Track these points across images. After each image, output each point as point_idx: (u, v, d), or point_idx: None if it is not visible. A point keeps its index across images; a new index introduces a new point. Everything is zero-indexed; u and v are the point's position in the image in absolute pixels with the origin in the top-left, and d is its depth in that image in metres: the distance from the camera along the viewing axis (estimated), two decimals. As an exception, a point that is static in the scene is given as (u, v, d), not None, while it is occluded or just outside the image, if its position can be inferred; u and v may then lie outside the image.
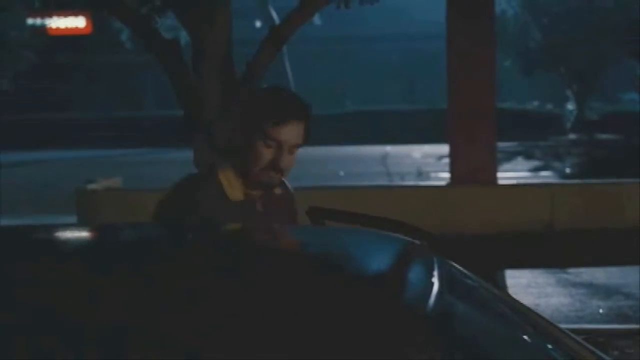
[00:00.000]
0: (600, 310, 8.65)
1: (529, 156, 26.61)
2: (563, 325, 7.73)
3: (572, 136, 35.48)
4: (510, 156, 26.07)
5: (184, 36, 8.85)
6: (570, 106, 38.95)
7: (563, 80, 38.92)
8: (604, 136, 34.36)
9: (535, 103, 42.20)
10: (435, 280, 2.19)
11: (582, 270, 10.53)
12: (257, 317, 1.83)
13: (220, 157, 3.47)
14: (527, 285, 9.75)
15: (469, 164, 13.31)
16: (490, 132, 13.62)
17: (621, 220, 12.65)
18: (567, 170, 22.53)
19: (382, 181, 20.41)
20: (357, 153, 30.54)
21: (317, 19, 49.90)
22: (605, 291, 9.49)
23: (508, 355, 2.24)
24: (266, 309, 1.87)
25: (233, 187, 3.24)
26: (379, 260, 2.48)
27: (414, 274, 2.33)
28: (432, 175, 21.48)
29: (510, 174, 20.52)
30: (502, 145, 28.13)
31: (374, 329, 1.82)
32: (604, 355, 2.93)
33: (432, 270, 2.30)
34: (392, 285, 2.13)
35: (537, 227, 12.61)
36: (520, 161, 25.38)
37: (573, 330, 7.47)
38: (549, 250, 11.78)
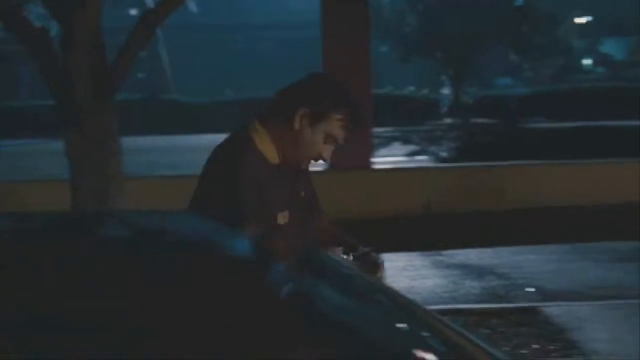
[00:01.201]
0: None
1: (406, 141, 26.92)
2: (438, 306, 7.91)
3: (448, 120, 36.00)
4: (387, 141, 26.35)
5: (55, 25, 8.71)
6: (446, 91, 39.59)
7: (439, 65, 39.51)
8: (479, 120, 34.95)
9: (412, 88, 42.77)
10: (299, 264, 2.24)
11: (457, 252, 10.73)
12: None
13: (254, 124, 3.35)
14: (403, 268, 9.89)
15: (345, 149, 13.36)
16: (366, 117, 13.74)
17: (497, 203, 12.92)
18: (443, 154, 22.87)
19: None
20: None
21: (195, 7, 49.57)
22: (479, 272, 9.69)
23: (368, 334, 2.28)
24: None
25: (270, 151, 3.25)
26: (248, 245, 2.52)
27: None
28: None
29: (387, 159, 20.74)
30: (379, 130, 28.46)
31: (235, 308, 1.84)
32: (468, 334, 2.98)
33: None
34: (254, 266, 2.16)
35: (414, 210, 12.78)
36: (397, 146, 25.67)
37: (447, 310, 7.65)
38: (425, 233, 11.94)
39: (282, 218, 3.28)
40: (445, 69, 39.16)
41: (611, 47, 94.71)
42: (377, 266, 3.54)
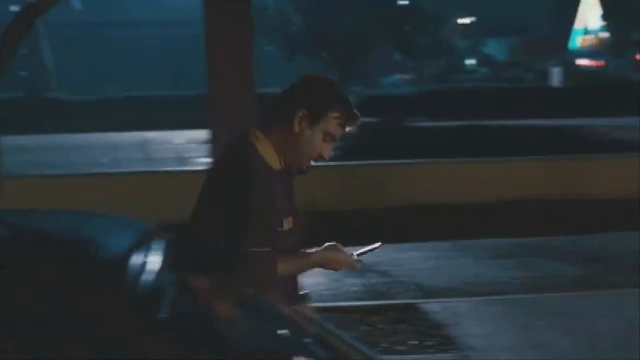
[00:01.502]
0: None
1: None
2: (319, 304, 7.94)
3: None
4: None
5: None
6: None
7: (324, 64, 39.70)
8: (364, 119, 35.22)
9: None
10: (157, 260, 2.24)
11: (342, 250, 10.75)
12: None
13: (255, 132, 3.31)
14: (285, 267, 9.89)
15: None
16: (249, 117, 13.69)
17: (379, 201, 13.04)
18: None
19: (140, 167, 20.23)
20: (119, 140, 30.12)
21: (78, 4, 48.78)
22: (360, 269, 9.74)
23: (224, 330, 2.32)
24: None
25: (272, 157, 3.24)
26: (108, 242, 2.51)
27: (137, 254, 2.34)
28: (195, 160, 21.45)
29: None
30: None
31: (91, 299, 1.85)
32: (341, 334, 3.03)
33: (158, 251, 2.35)
34: (109, 262, 2.16)
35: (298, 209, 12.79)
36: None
37: (328, 308, 7.68)
38: (309, 232, 11.94)
39: (287, 224, 3.28)
40: (330, 69, 39.34)
41: (493, 48, 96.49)
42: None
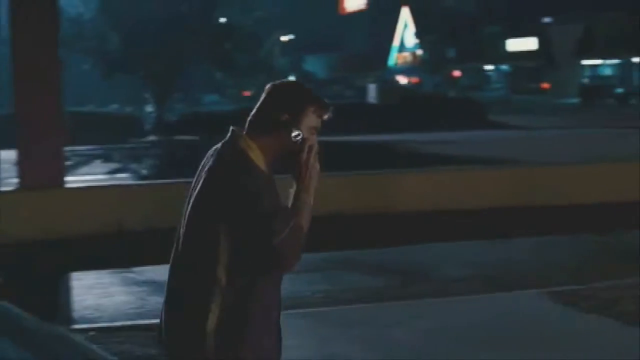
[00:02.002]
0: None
1: (107, 159, 26.68)
2: (124, 322, 7.87)
3: (151, 138, 35.93)
4: (88, 159, 26.04)
5: None
6: (149, 108, 39.54)
7: (142, 83, 39.45)
8: (182, 137, 35.05)
9: (115, 106, 42.42)
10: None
11: (147, 268, 10.77)
12: None
13: (245, 140, 3.42)
14: (91, 287, 9.83)
15: (37, 168, 13.14)
16: (57, 135, 13.52)
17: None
18: (144, 172, 22.86)
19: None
20: None
21: None
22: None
23: None
24: None
25: (261, 162, 3.36)
26: None
27: None
28: (5, 180, 20.96)
29: (87, 177, 20.48)
30: (80, 148, 28.07)
31: None
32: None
33: None
34: None
35: (106, 228, 12.69)
36: (98, 164, 25.40)
37: (133, 326, 7.64)
38: (116, 251, 11.90)
39: None
40: (148, 87, 39.15)
41: (313, 65, 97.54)
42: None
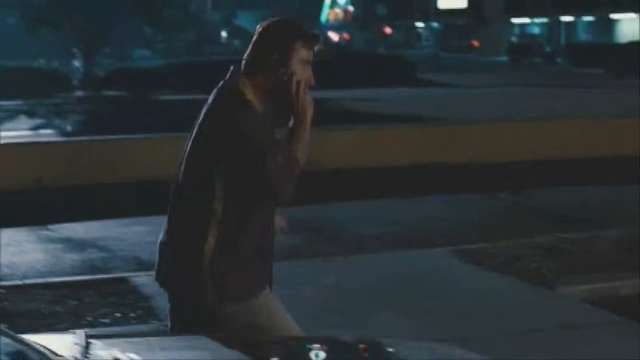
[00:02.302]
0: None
1: (31, 114, 26.37)
2: (36, 280, 7.89)
3: (78, 93, 35.59)
4: (12, 115, 25.74)
5: None
6: (76, 63, 39.10)
7: (69, 37, 38.98)
8: (111, 93, 34.75)
9: (42, 61, 41.89)
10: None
11: (64, 226, 10.78)
12: None
13: (243, 81, 3.60)
14: (5, 244, 9.80)
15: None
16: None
17: (109, 176, 13.06)
18: (68, 128, 22.69)
19: None
20: None
21: None
22: (82, 245, 9.82)
23: None
24: None
25: (254, 98, 3.55)
26: None
27: None
28: None
29: (9, 133, 20.27)
30: (4, 104, 27.73)
31: None
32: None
33: None
34: None
35: (24, 186, 12.66)
36: (22, 120, 25.10)
37: (41, 284, 7.67)
38: (35, 208, 11.87)
39: None
40: (75, 42, 38.70)
41: (245, 20, 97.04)
42: None
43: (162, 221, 10.67)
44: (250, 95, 3.54)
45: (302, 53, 3.57)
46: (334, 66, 38.29)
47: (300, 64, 3.56)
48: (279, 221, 3.86)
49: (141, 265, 8.83)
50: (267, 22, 3.68)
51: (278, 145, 3.49)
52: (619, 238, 8.84)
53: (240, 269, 3.55)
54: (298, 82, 3.53)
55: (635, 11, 54.75)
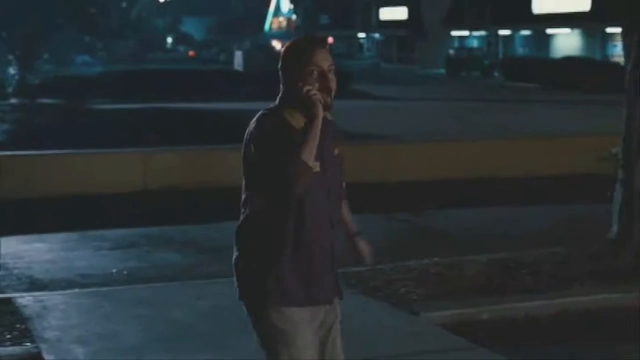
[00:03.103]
0: None
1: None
2: None
3: (13, 101, 35.57)
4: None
5: None
6: (12, 70, 39.12)
7: (6, 45, 38.98)
8: (45, 100, 34.76)
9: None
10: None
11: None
12: None
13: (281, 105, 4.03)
14: None
15: None
16: None
17: (17, 191, 13.23)
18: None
19: None
20: None
21: None
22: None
23: None
24: None
25: (295, 118, 3.95)
26: None
27: None
28: None
29: None
30: None
31: None
32: None
33: None
34: None
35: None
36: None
37: None
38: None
39: (315, 166, 3.92)
40: (10, 50, 38.69)
41: (192, 27, 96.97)
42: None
43: (63, 238, 10.87)
44: (288, 115, 3.96)
45: (311, 66, 3.95)
46: (268, 77, 38.57)
47: (309, 74, 3.95)
48: (364, 250, 4.34)
49: (33, 284, 9.10)
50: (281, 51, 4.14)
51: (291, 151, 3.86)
52: (490, 262, 9.24)
53: (270, 275, 3.99)
54: (307, 91, 3.93)
55: (570, 27, 55.72)
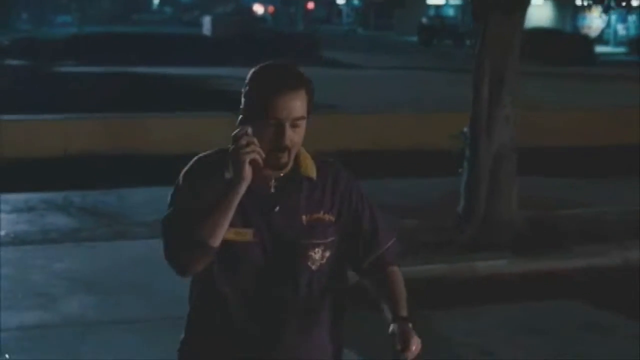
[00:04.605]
0: None
1: None
2: None
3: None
4: None
5: None
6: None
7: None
8: (13, 62, 34.96)
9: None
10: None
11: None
12: None
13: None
14: None
15: None
16: None
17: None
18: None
19: None
20: None
21: None
22: None
23: None
24: None
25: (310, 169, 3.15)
26: None
27: None
28: None
29: None
30: None
31: None
32: None
33: None
34: None
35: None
36: None
37: None
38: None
39: (243, 235, 3.08)
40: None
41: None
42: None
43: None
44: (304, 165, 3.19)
45: (263, 112, 3.03)
46: (235, 43, 38.72)
47: (262, 127, 3.02)
48: (406, 343, 3.04)
49: None
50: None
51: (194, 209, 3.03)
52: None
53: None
54: (239, 146, 2.96)
55: (543, -3, 56.13)
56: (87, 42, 38.96)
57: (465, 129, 10.00)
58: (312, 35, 47.75)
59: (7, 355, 3.98)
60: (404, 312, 3.15)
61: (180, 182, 3.10)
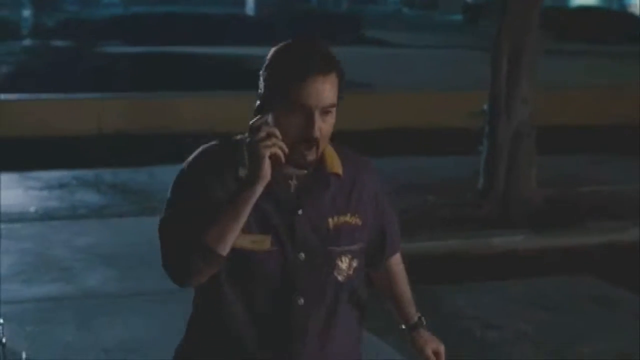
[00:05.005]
0: None
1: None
2: None
3: (27, 42, 35.96)
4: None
5: None
6: (26, 12, 39.59)
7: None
8: (60, 43, 35.13)
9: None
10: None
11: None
12: None
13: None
14: None
15: None
16: None
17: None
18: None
19: None
20: None
21: None
22: None
23: None
24: None
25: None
26: None
27: None
28: None
29: None
30: None
31: None
32: None
33: None
34: None
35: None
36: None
37: None
38: None
39: (258, 243, 2.66)
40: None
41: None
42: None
43: (9, 178, 11.53)
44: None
45: (288, 96, 2.62)
46: (280, 23, 38.71)
47: (286, 112, 2.61)
48: (427, 348, 2.97)
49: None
50: None
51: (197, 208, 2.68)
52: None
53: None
54: (259, 138, 2.54)
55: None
56: (131, 22, 39.11)
57: (485, 107, 10.08)
58: (356, 14, 47.59)
59: (1, 320, 4.15)
60: (417, 314, 3.01)
61: (183, 177, 2.71)
